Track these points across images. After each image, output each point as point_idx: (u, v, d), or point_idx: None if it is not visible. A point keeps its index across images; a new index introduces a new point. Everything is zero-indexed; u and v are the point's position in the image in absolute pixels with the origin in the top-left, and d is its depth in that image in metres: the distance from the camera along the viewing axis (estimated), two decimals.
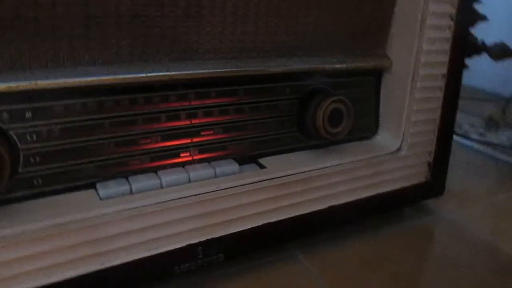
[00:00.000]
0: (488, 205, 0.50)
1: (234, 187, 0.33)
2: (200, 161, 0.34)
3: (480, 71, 0.64)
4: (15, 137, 0.27)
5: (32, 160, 0.28)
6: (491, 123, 0.70)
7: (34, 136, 0.28)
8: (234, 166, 0.34)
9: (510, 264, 0.39)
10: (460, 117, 0.48)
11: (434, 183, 0.45)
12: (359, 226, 0.42)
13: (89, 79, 0.28)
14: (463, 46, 0.41)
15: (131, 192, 0.30)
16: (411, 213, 0.46)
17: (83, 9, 0.27)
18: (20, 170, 0.28)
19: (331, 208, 0.38)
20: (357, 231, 0.42)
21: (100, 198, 0.29)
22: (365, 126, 0.43)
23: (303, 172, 0.36)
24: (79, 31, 0.27)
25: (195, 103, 0.33)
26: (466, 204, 0.49)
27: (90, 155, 0.30)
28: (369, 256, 0.39)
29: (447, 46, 0.40)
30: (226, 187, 0.33)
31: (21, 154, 0.28)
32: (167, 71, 0.30)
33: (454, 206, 0.48)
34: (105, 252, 0.29)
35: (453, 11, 0.39)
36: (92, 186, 0.30)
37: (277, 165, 0.36)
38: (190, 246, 0.32)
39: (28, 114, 0.28)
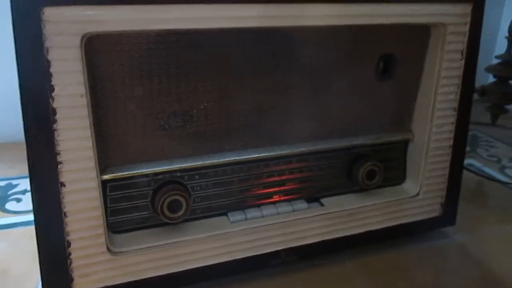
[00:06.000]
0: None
1: (304, 218, 0.56)
2: (284, 201, 0.57)
3: None
4: (189, 188, 0.52)
5: (197, 199, 0.53)
6: None
7: (198, 188, 0.53)
8: (304, 204, 0.57)
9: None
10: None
11: (446, 217, 0.64)
12: (389, 244, 0.63)
13: (230, 158, 0.52)
14: (465, 128, 0.60)
15: (246, 219, 0.54)
16: (431, 235, 0.66)
17: (226, 119, 0.51)
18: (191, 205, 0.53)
19: (368, 232, 0.60)
20: (389, 247, 0.63)
21: (230, 221, 0.54)
22: (396, 176, 0.63)
23: (349, 209, 0.58)
24: (223, 131, 0.52)
25: (283, 166, 0.56)
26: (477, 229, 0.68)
27: (225, 197, 0.54)
28: (398, 263, 0.60)
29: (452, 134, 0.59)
30: (300, 217, 0.56)
31: (192, 197, 0.53)
32: (269, 152, 0.54)
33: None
34: (232, 251, 0.53)
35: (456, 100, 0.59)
36: (225, 214, 0.55)
37: (332, 204, 0.58)
38: (277, 251, 0.55)
39: (197, 176, 0.52)
